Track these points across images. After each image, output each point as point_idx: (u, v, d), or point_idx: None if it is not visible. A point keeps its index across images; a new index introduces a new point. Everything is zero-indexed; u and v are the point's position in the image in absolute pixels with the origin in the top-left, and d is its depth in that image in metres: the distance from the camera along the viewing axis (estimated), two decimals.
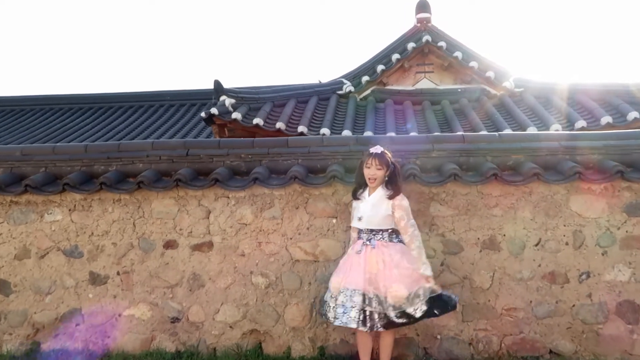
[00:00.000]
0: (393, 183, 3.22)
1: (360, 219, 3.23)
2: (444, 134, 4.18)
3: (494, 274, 3.62)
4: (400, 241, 3.23)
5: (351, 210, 3.44)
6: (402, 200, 3.22)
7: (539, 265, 3.59)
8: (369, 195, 3.25)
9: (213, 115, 7.05)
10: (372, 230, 3.22)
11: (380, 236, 3.21)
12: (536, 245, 3.61)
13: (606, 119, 6.49)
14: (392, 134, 6.23)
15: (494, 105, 7.70)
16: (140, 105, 13.07)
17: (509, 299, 3.59)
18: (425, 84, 8.66)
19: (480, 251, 3.64)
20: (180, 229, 3.82)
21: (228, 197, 3.82)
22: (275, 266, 3.75)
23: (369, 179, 3.21)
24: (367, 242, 3.20)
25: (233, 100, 7.33)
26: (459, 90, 8.38)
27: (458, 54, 8.38)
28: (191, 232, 3.82)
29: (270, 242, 3.76)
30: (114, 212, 3.87)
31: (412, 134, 6.18)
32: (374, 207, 3.21)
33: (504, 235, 3.63)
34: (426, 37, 8.48)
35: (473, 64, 8.34)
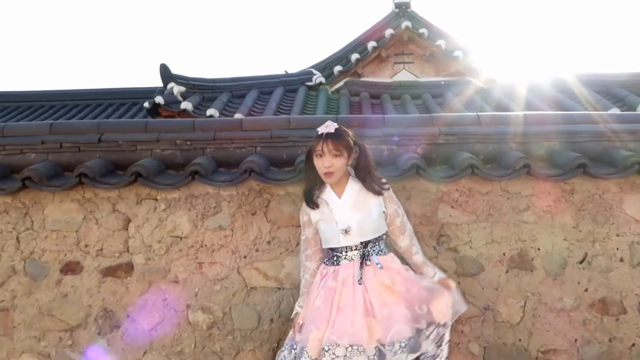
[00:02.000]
0: (366, 172, 2.15)
1: (347, 231, 2.10)
2: (453, 113, 3.17)
3: (525, 302, 2.63)
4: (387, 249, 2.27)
5: (304, 226, 2.27)
6: (389, 190, 2.24)
7: (586, 290, 2.63)
8: (340, 195, 2.17)
9: (158, 105, 5.90)
10: (366, 243, 2.14)
11: (378, 248, 2.17)
12: (581, 262, 2.65)
13: (614, 111, 5.69)
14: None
15: (483, 99, 6.83)
16: (88, 104, 11.71)
17: (546, 338, 2.61)
18: (404, 75, 7.74)
19: (507, 271, 2.65)
20: (86, 246, 2.68)
21: (156, 200, 2.70)
22: (223, 297, 2.65)
23: (325, 173, 2.10)
24: (366, 262, 2.11)
25: (183, 89, 6.20)
26: (442, 82, 7.49)
27: (441, 42, 7.50)
28: (102, 249, 2.68)
29: (216, 262, 2.67)
30: None
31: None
32: (360, 208, 2.14)
33: (539, 249, 2.65)
34: (405, 23, 7.58)
35: (458, 53, 7.49)
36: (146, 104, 5.97)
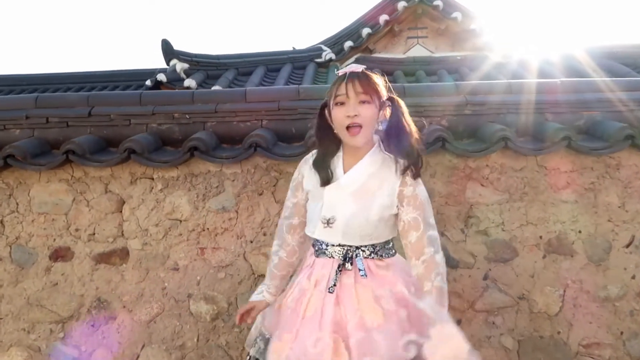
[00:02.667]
0: (396, 135, 1.52)
1: (328, 222, 1.55)
2: (480, 81, 2.86)
3: (565, 291, 2.35)
4: (394, 251, 1.67)
5: (296, 188, 1.72)
6: (419, 183, 1.56)
7: (633, 277, 2.35)
8: (347, 170, 1.57)
9: (160, 83, 5.63)
10: (356, 246, 1.59)
11: (372, 249, 1.59)
12: (627, 246, 2.36)
13: None
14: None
15: (502, 74, 6.46)
16: (93, 87, 11.45)
17: (588, 330, 2.34)
18: (418, 51, 7.35)
19: (544, 257, 2.37)
20: (77, 230, 2.43)
21: (152, 179, 2.44)
22: (228, 285, 2.40)
23: (349, 127, 1.50)
24: (346, 265, 1.56)
25: (186, 65, 5.90)
26: (459, 57, 7.11)
27: (457, 14, 7.10)
28: (94, 234, 2.43)
29: (220, 247, 2.41)
30: None
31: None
32: (363, 198, 1.54)
33: (579, 231, 2.36)
34: None
35: (474, 27, 7.09)
36: (148, 82, 5.69)
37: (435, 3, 7.16)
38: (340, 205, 1.54)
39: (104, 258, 2.42)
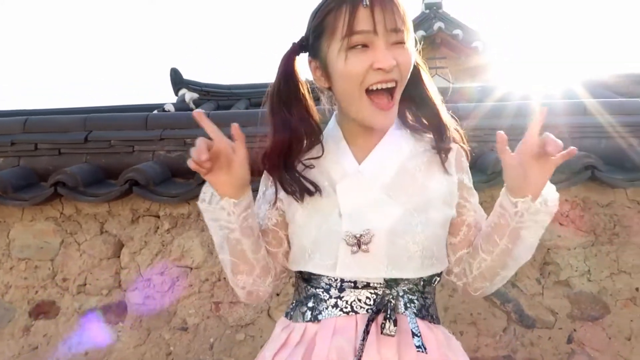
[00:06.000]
0: (425, 101, 0.97)
1: (360, 241, 0.88)
2: (548, 100, 2.48)
3: None
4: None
5: (262, 201, 1.01)
6: (466, 159, 1.02)
7: None
8: (362, 158, 0.95)
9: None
10: (399, 283, 0.91)
11: (422, 296, 0.93)
12: None
13: None
14: None
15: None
16: None
17: None
18: (437, 82, 7.06)
19: None
20: (65, 280, 1.99)
21: (157, 217, 2.02)
22: (248, 350, 1.93)
23: (380, 90, 0.87)
24: (388, 324, 0.85)
25: (196, 95, 5.58)
26: (479, 89, 6.80)
27: (478, 44, 6.84)
28: (85, 284, 1.99)
29: (238, 302, 1.96)
30: None
31: None
32: (400, 187, 0.92)
33: None
34: (438, 24, 6.94)
35: (493, 57, 6.81)
36: (155, 112, 5.36)
37: (454, 32, 6.91)
38: (373, 209, 0.90)
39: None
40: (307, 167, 0.95)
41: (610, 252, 1.93)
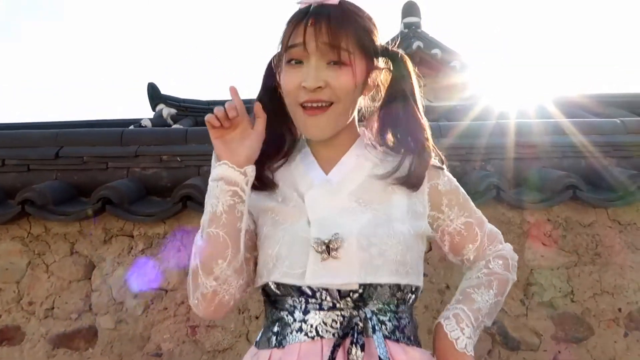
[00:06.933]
0: (408, 120, 0.93)
1: (329, 247, 0.83)
2: (525, 120, 2.49)
3: None
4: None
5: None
6: (449, 176, 0.99)
7: None
8: (329, 169, 0.94)
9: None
10: (370, 293, 0.85)
11: (394, 316, 0.87)
12: None
13: None
14: None
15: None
16: None
17: None
18: None
19: (626, 335, 1.89)
20: (31, 303, 1.89)
21: (131, 237, 1.93)
22: None
23: (306, 102, 0.86)
24: (355, 347, 0.79)
25: (174, 111, 5.50)
26: (458, 107, 6.89)
27: (455, 63, 6.94)
28: (53, 308, 1.88)
29: (216, 325, 1.88)
30: None
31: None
32: (374, 200, 0.90)
33: None
34: (417, 44, 7.02)
35: (472, 75, 6.92)
36: (132, 128, 5.25)
37: (433, 51, 7.01)
38: (341, 215, 0.87)
39: (64, 341, 1.87)
40: (275, 178, 0.95)
41: (592, 272, 1.92)
